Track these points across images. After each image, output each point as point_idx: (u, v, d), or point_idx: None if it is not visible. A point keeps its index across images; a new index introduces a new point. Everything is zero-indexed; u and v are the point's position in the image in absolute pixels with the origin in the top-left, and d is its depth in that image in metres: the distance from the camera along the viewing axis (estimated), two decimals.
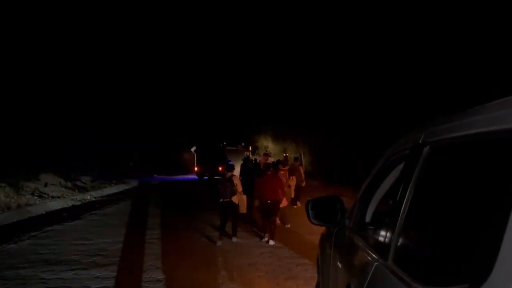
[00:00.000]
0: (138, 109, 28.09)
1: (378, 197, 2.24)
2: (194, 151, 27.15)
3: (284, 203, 8.55)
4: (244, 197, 8.30)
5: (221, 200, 8.00)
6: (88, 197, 14.89)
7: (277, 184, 8.20)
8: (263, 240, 8.01)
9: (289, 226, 9.43)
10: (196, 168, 24.78)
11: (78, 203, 13.54)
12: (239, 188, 8.05)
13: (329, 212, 2.70)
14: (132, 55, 26.55)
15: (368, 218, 2.26)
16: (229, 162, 8.97)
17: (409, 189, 1.48)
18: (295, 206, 11.73)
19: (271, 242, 7.71)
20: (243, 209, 8.23)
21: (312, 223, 2.75)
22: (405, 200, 1.48)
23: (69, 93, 19.80)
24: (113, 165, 22.52)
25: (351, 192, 13.64)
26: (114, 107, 24.06)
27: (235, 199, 7.96)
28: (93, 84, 21.73)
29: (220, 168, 20.28)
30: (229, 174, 8.13)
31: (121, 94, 24.89)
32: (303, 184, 12.70)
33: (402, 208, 1.48)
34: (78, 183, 17.40)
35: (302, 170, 13.09)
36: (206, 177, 23.53)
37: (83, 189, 16.34)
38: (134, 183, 21.37)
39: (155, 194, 16.85)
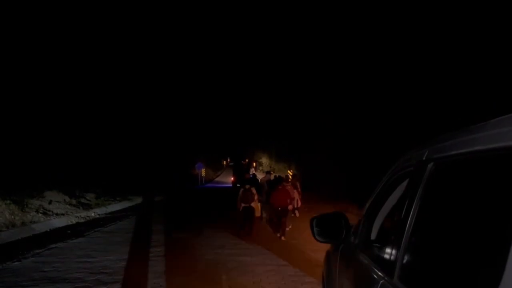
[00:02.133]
0: (144, 126, 28.41)
1: (383, 214, 2.23)
2: (231, 166, 36.35)
3: (290, 207, 11.41)
4: (259, 204, 11.80)
5: (243, 205, 10.75)
6: (92, 214, 14.86)
7: (286, 195, 10.91)
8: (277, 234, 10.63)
9: (290, 227, 11.35)
10: (232, 179, 34.84)
11: (82, 220, 13.51)
12: (256, 197, 11.07)
13: (334, 229, 2.69)
14: (137, 67, 27.18)
15: (373, 235, 2.24)
16: (251, 175, 11.20)
17: (413, 206, 1.47)
18: (292, 215, 13.53)
19: (283, 238, 10.29)
20: (257, 212, 11.58)
21: (317, 240, 2.73)
22: (410, 217, 1.48)
23: (77, 108, 19.83)
24: (119, 181, 22.56)
25: (356, 209, 13.56)
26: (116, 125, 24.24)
27: (253, 204, 10.86)
28: (99, 100, 21.90)
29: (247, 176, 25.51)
30: (247, 186, 11.04)
31: (125, 110, 25.19)
32: (299, 197, 14.82)
33: (408, 225, 1.48)
34: (82, 200, 17.39)
35: (299, 186, 15.15)
36: (238, 185, 26.52)
37: (87, 206, 16.32)
38: (138, 200, 21.34)
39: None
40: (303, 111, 25.20)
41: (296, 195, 13.67)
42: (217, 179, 53.58)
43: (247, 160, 57.58)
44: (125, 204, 19.07)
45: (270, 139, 37.95)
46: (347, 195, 17.80)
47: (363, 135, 17.57)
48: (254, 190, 10.94)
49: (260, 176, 22.85)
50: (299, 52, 24.67)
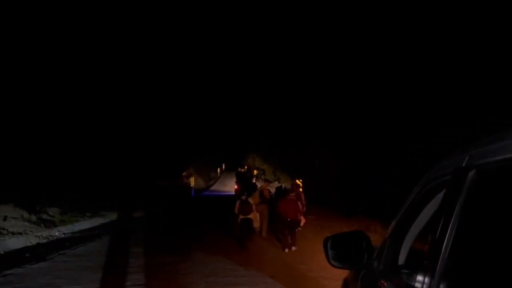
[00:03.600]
0: (124, 125, 29.09)
1: (414, 233, 2.22)
2: (236, 174, 42.07)
3: (302, 220, 12.91)
4: (257, 214, 13.11)
5: (242, 217, 12.26)
6: (57, 233, 14.87)
7: (296, 206, 12.38)
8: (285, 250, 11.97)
9: (295, 248, 12.18)
10: (236, 187, 37.52)
11: (44, 240, 13.51)
12: (254, 208, 12.55)
13: (353, 252, 2.68)
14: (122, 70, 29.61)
15: (401, 260, 2.24)
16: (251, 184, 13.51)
17: (451, 223, 1.47)
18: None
19: (293, 248, 11.99)
20: (256, 223, 12.84)
21: (332, 265, 2.72)
22: (447, 237, 1.47)
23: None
24: (90, 192, 22.59)
25: (379, 227, 13.58)
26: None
27: (252, 215, 12.33)
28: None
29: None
30: (244, 197, 12.73)
31: (100, 103, 25.82)
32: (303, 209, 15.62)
33: (444, 247, 1.47)
34: (44, 216, 17.40)
35: (303, 197, 15.95)
36: (246, 193, 32.81)
37: (50, 224, 16.32)
38: (112, 216, 21.35)
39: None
40: (303, 111, 28.79)
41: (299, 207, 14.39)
42: (212, 188, 54.93)
43: (246, 166, 59.34)
44: (96, 221, 19.08)
45: (273, 143, 41.47)
46: (366, 209, 17.99)
47: (365, 135, 19.87)
48: (252, 201, 12.71)
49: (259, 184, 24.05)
50: (299, 52, 27.76)
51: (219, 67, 41.43)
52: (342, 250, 2.70)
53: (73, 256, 10.87)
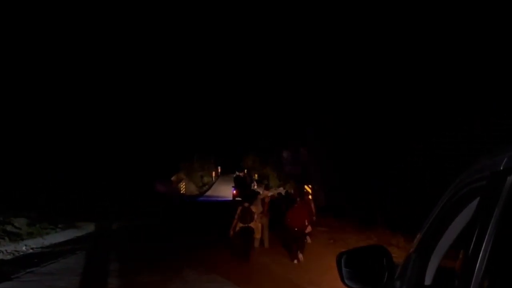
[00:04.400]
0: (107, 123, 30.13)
1: (443, 248, 2.22)
2: (234, 179, 48.19)
3: (309, 229, 13.72)
4: (259, 225, 13.80)
5: (241, 225, 12.57)
6: (24, 248, 14.88)
7: (304, 215, 13.17)
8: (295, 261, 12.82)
9: (297, 262, 12.82)
10: (234, 192, 42.71)
11: (9, 256, 13.53)
12: (256, 217, 12.91)
13: (371, 270, 2.67)
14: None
15: (428, 279, 2.24)
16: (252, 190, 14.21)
17: (487, 236, 1.47)
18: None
19: (300, 255, 12.83)
20: (257, 233, 13.57)
21: (345, 285, 2.72)
22: (481, 252, 1.47)
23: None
24: (63, 200, 22.65)
25: (402, 241, 13.60)
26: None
27: (252, 224, 12.72)
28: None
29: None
30: (246, 204, 13.03)
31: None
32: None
33: (478, 264, 1.47)
34: (8, 227, 17.41)
35: (313, 204, 16.93)
36: (239, 198, 34.75)
37: (15, 237, 16.34)
38: (89, 227, 21.37)
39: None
40: (303, 111, 31.65)
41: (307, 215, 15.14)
42: (206, 194, 55.97)
43: (245, 170, 60.51)
44: (71, 234, 19.09)
45: (273, 143, 45.27)
46: (386, 220, 18.18)
47: (365, 135, 22.16)
48: (253, 209, 13.08)
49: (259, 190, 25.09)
50: (299, 52, 29.99)
51: (218, 64, 44.37)
52: (358, 268, 2.69)
53: (43, 275, 10.87)
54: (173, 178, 48.44)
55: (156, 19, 36.73)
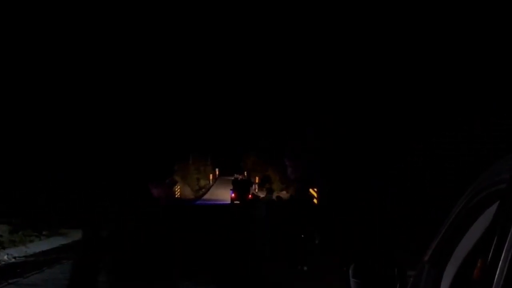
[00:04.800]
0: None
1: (459, 257, 2.22)
2: (232, 182, 49.07)
3: None
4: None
5: None
6: (5, 257, 14.88)
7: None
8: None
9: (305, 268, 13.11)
10: (233, 195, 44.75)
11: None
12: None
13: (382, 282, 2.68)
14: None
15: None
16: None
17: (507, 244, 1.47)
18: None
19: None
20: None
21: None
22: (501, 261, 1.47)
23: None
24: (48, 206, 22.64)
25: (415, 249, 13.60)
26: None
27: None
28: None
29: (249, 196, 38.41)
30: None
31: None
32: None
33: (498, 273, 1.47)
34: None
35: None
36: (237, 202, 41.36)
37: None
38: (76, 235, 21.33)
39: None
40: (303, 111, 33.97)
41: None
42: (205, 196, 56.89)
43: (245, 173, 60.69)
44: (56, 242, 19.08)
45: (273, 143, 47.35)
46: (396, 223, 18.55)
47: (365, 135, 23.62)
48: None
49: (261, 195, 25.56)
50: (299, 52, 32.11)
51: (218, 63, 45.87)
52: (367, 279, 2.70)
53: (26, 286, 10.88)
54: (167, 181, 48.30)
55: (155, 19, 38.02)
